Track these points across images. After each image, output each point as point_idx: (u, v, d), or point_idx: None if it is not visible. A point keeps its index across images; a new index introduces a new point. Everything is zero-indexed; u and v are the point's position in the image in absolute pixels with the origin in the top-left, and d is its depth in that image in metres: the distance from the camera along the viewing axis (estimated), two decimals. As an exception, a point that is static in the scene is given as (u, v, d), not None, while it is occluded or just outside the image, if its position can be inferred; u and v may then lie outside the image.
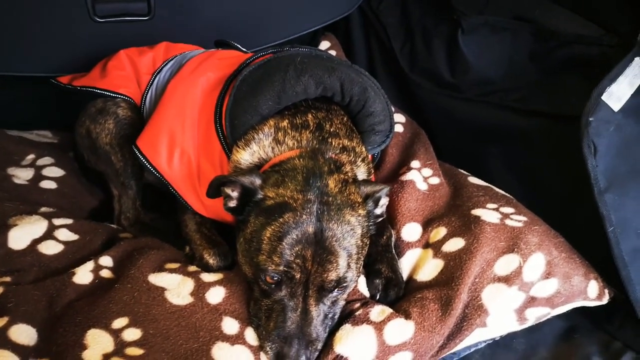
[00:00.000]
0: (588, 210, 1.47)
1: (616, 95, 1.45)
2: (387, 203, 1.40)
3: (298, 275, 1.16)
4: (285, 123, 1.40)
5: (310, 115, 1.43)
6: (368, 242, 1.31)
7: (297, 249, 1.16)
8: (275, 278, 1.18)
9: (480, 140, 1.98)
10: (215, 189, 1.28)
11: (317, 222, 1.19)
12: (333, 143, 1.40)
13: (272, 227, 1.19)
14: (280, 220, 1.18)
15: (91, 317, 1.16)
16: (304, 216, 1.18)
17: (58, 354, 1.10)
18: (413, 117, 2.15)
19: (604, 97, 1.42)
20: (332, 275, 1.17)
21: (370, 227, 1.32)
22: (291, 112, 1.44)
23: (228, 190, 1.28)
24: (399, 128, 2.04)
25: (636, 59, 1.48)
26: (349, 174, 1.35)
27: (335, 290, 1.21)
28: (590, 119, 1.41)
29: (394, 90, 2.30)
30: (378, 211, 1.37)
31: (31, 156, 1.76)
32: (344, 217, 1.22)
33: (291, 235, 1.17)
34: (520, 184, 1.81)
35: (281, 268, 1.16)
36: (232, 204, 1.29)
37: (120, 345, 1.11)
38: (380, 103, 1.54)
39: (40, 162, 1.74)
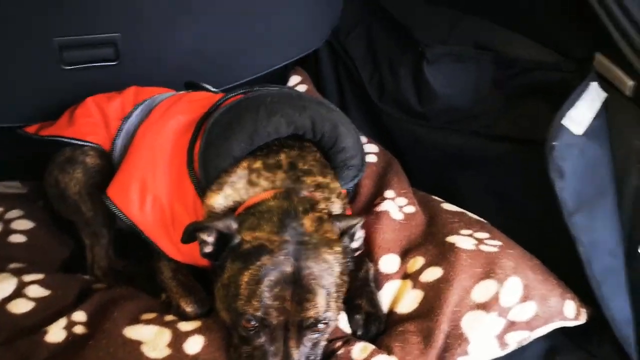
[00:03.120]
0: (560, 232, 1.50)
1: (577, 120, 1.50)
2: (363, 236, 1.40)
3: (276, 320, 1.15)
4: (258, 164, 1.40)
5: (282, 155, 1.44)
6: (347, 280, 1.31)
7: (275, 290, 1.15)
8: (254, 323, 1.16)
9: (451, 167, 2.01)
10: (190, 235, 1.27)
11: (295, 261, 1.18)
12: (307, 181, 1.41)
13: (250, 271, 1.18)
14: (258, 263, 1.18)
15: (65, 378, 1.12)
16: (281, 257, 1.18)
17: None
18: (385, 147, 2.18)
19: (565, 122, 1.47)
20: (311, 313, 1.16)
21: (348, 264, 1.32)
22: (263, 152, 1.44)
23: (203, 236, 1.27)
24: (372, 158, 2.07)
25: (592, 83, 1.54)
26: (324, 211, 1.36)
27: (316, 330, 1.20)
28: (554, 143, 1.45)
29: (366, 121, 2.33)
30: (355, 245, 1.37)
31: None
32: (321, 256, 1.22)
33: (269, 277, 1.16)
34: (493, 208, 1.84)
35: (260, 313, 1.14)
36: (208, 249, 1.28)
37: (97, 406, 1.07)
38: (351, 138, 1.56)
39: (9, 215, 1.70)
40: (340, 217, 1.35)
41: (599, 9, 1.48)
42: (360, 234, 1.37)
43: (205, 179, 1.41)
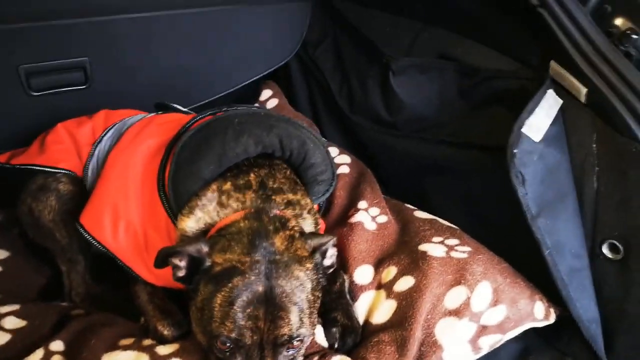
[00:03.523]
0: (526, 235, 1.55)
1: (535, 127, 1.55)
2: (335, 254, 1.43)
3: (250, 340, 1.18)
4: (228, 186, 1.43)
5: (252, 175, 1.46)
6: (320, 295, 1.34)
7: (248, 310, 1.18)
8: (229, 344, 1.19)
9: (422, 175, 2.06)
10: (162, 260, 1.28)
11: (266, 280, 1.21)
12: (277, 200, 1.44)
13: (222, 293, 1.20)
14: (230, 285, 1.20)
15: (43, 411, 1.13)
16: (253, 277, 1.21)
17: None
18: (358, 156, 2.22)
19: (524, 130, 1.52)
20: (285, 330, 1.19)
21: (321, 280, 1.35)
22: (233, 172, 1.47)
23: (176, 261, 1.29)
24: (345, 169, 2.11)
25: (549, 91, 1.60)
26: (296, 229, 1.39)
27: (290, 346, 1.23)
28: (515, 150, 1.50)
29: (337, 131, 2.38)
30: (327, 262, 1.40)
31: (-27, 240, 1.71)
32: (293, 273, 1.25)
33: (242, 298, 1.18)
34: (462, 214, 1.89)
35: (234, 334, 1.17)
36: (181, 273, 1.30)
37: None
38: (320, 154, 1.60)
39: (-18, 245, 1.70)
40: (312, 235, 1.38)
41: (549, 19, 1.54)
42: (332, 252, 1.40)
43: (176, 202, 1.43)
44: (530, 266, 1.60)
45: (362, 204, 1.88)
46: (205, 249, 1.27)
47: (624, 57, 1.47)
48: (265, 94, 2.49)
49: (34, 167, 1.69)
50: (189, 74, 2.23)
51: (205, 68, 2.26)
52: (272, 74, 2.56)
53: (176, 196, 1.43)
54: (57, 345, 1.32)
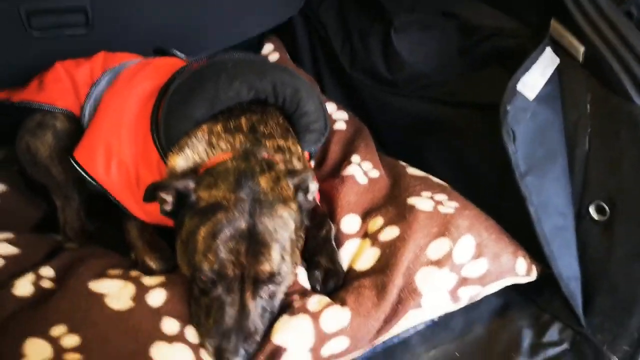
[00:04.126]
0: (513, 194, 1.57)
1: (530, 85, 1.54)
2: (316, 189, 1.45)
3: (231, 272, 1.21)
4: (218, 127, 1.45)
5: (243, 119, 1.48)
6: (303, 236, 1.37)
7: (230, 244, 1.21)
8: (211, 276, 1.22)
9: (417, 133, 2.06)
10: (151, 195, 1.32)
11: (250, 218, 1.24)
12: (267, 144, 1.45)
13: (206, 226, 1.23)
14: (214, 219, 1.23)
15: (29, 327, 1.18)
16: (237, 214, 1.24)
17: (-4, 367, 1.12)
18: (356, 114, 2.22)
19: (519, 87, 1.52)
20: (266, 267, 1.23)
21: (304, 221, 1.37)
22: (225, 116, 1.48)
23: (163, 195, 1.32)
24: (341, 125, 2.12)
25: (547, 49, 1.58)
26: (282, 172, 1.41)
27: (271, 283, 1.26)
28: (508, 107, 1.50)
29: (338, 88, 2.38)
30: (309, 197, 1.42)
31: (-29, 173, 1.76)
32: (276, 212, 1.28)
33: (224, 233, 1.21)
34: (454, 172, 1.90)
35: (216, 266, 1.21)
36: (168, 207, 1.33)
37: (59, 352, 1.13)
38: (313, 103, 1.60)
39: (-20, 179, 1.74)
40: (294, 172, 1.40)
41: (551, -26, 1.51)
42: (313, 187, 1.42)
43: (167, 141, 1.45)
44: (516, 225, 1.62)
45: (355, 158, 1.90)
46: (191, 184, 1.30)
47: (624, 16, 1.45)
48: (267, 47, 2.48)
49: (33, 105, 1.72)
50: (190, 24, 2.22)
51: (207, 19, 2.25)
52: (276, 29, 2.54)
53: (167, 135, 1.45)
54: (46, 270, 1.37)
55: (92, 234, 1.69)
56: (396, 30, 2.04)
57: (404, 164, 1.94)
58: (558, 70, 1.58)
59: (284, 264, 1.27)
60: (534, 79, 1.54)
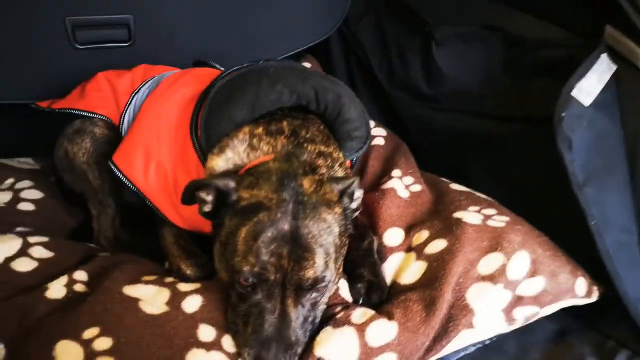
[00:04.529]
0: (568, 210, 1.46)
1: (586, 91, 1.47)
2: (361, 196, 1.38)
3: (273, 276, 1.14)
4: (260, 130, 1.41)
5: (285, 122, 1.44)
6: (347, 242, 1.30)
7: (272, 247, 1.14)
8: (251, 280, 1.15)
9: (460, 149, 1.99)
10: (190, 194, 1.27)
11: (293, 220, 1.17)
12: (309, 148, 1.40)
13: (247, 227, 1.17)
14: (255, 219, 1.17)
15: (61, 329, 1.12)
16: (279, 214, 1.17)
17: (26, 369, 1.06)
18: (394, 131, 2.16)
19: (573, 93, 1.44)
20: (309, 273, 1.15)
21: (348, 226, 1.30)
22: (266, 120, 1.45)
23: (202, 195, 1.27)
24: (380, 141, 2.06)
25: (602, 55, 1.51)
26: (325, 176, 1.35)
27: (314, 290, 1.18)
28: (563, 114, 1.42)
29: (375, 106, 2.33)
30: (354, 205, 1.35)
31: (10, 180, 1.75)
32: (320, 215, 1.21)
33: (266, 234, 1.15)
34: (501, 188, 1.79)
35: (256, 269, 1.13)
36: (207, 208, 1.28)
37: (91, 355, 1.07)
38: (355, 110, 1.56)
39: (19, 185, 1.73)
40: (337, 179, 1.34)
41: (609, -20, 1.46)
42: (358, 194, 1.36)
43: (207, 144, 1.42)
44: (570, 244, 1.50)
45: (395, 172, 1.83)
46: (232, 184, 1.25)
47: (687, 19, 1.38)
48: (304, 65, 2.47)
49: (73, 111, 1.73)
50: (229, 39, 2.24)
51: (245, 34, 2.26)
52: (311, 48, 2.54)
53: (208, 137, 1.42)
54: (81, 274, 1.32)
55: (125, 244, 1.64)
56: (437, 44, 2.00)
57: (446, 180, 1.86)
58: (615, 77, 1.50)
59: (328, 270, 1.19)
60: (590, 85, 1.47)
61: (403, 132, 2.18)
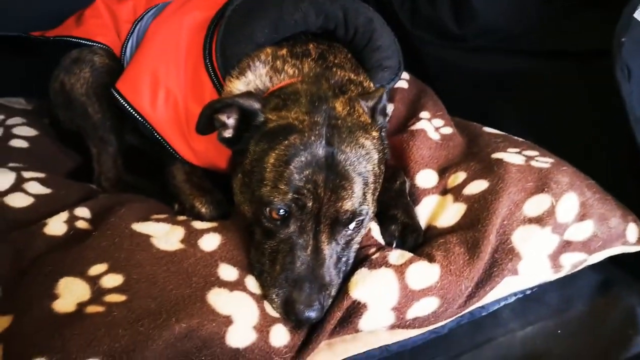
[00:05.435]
0: (616, 155, 1.33)
1: (649, 14, 1.31)
2: (392, 108, 1.22)
3: (310, 203, 0.99)
4: (283, 51, 1.25)
5: (311, 45, 1.28)
6: (384, 171, 1.15)
7: (306, 172, 0.99)
8: (282, 212, 1.01)
9: (488, 93, 1.83)
10: (208, 118, 1.11)
11: (328, 145, 1.02)
12: (338, 73, 1.25)
13: (277, 151, 1.02)
14: (286, 142, 1.02)
15: (63, 266, 0.98)
16: (313, 138, 1.02)
17: (24, 308, 0.92)
18: (417, 76, 2.01)
19: (636, 15, 1.28)
20: (347, 205, 1.01)
21: (386, 152, 1.15)
22: (289, 43, 1.28)
23: (223, 118, 1.11)
24: (403, 84, 1.90)
25: (667, -25, 1.35)
26: (356, 97, 1.19)
27: (351, 225, 1.04)
28: (623, 39, 1.27)
29: (395, 50, 2.16)
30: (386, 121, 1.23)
31: (0, 117, 1.58)
32: (358, 140, 1.06)
33: (299, 158, 1.00)
34: (536, 132, 1.65)
35: (289, 196, 0.99)
36: (228, 133, 1.12)
37: (98, 293, 0.93)
38: (387, 37, 1.40)
39: (10, 121, 1.57)
40: (365, 95, 1.19)
41: None
42: (390, 108, 1.19)
43: (224, 67, 1.25)
44: (616, 188, 1.37)
45: (424, 114, 1.67)
46: (257, 104, 1.09)
47: None
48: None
49: (70, 39, 1.54)
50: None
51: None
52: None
53: (225, 60, 1.25)
54: (82, 211, 1.17)
55: (129, 185, 1.48)
56: (470, -22, 1.81)
57: (477, 124, 1.71)
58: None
59: (366, 203, 1.05)
60: (654, 7, 1.30)
61: (425, 76, 2.01)
